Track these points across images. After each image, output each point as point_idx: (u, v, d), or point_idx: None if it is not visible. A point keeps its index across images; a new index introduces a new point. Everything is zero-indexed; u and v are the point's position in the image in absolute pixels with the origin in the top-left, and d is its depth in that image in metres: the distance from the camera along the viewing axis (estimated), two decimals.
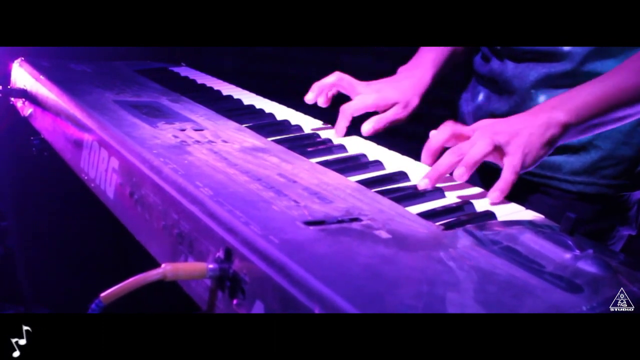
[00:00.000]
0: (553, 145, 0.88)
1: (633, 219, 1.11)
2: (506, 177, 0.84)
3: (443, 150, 0.90)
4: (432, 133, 0.91)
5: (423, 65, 1.16)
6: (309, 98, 1.14)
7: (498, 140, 0.85)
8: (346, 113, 1.10)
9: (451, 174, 0.86)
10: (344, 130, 1.10)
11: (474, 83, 1.19)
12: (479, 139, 0.86)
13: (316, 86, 1.14)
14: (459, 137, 0.90)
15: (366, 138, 1.09)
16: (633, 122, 1.02)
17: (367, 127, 1.09)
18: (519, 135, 0.85)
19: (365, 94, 1.13)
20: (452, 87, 1.29)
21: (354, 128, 1.16)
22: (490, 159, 0.87)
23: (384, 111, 1.12)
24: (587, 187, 1.06)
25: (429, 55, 1.17)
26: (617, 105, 0.89)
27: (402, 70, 1.18)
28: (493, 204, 0.83)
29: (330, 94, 1.15)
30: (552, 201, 1.08)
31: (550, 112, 0.87)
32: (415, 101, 1.13)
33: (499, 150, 0.86)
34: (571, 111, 0.87)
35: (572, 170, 1.06)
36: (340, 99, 1.17)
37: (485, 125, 0.90)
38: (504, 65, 1.09)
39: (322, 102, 1.14)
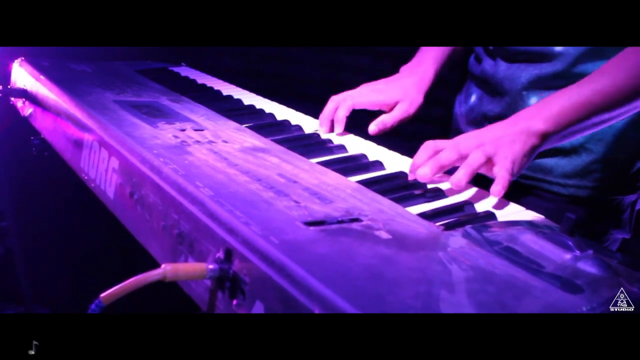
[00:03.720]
0: (534, 153, 0.89)
1: (627, 222, 1.11)
2: (503, 175, 0.85)
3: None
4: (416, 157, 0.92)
5: (425, 63, 1.17)
6: (322, 130, 1.13)
7: (487, 151, 0.87)
8: (347, 103, 1.11)
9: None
10: (343, 124, 1.10)
11: (468, 84, 1.19)
12: (470, 149, 0.87)
13: (323, 119, 1.13)
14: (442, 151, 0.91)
15: (367, 138, 1.09)
16: (625, 125, 1.02)
17: (373, 127, 1.10)
18: (504, 146, 0.87)
19: (369, 93, 1.13)
20: (449, 87, 1.30)
21: (354, 128, 1.16)
22: (482, 170, 0.88)
23: (390, 110, 1.13)
24: (579, 190, 1.06)
25: (430, 53, 1.18)
26: (595, 110, 0.89)
27: (404, 69, 1.19)
28: (498, 197, 0.84)
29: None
30: (544, 204, 1.07)
31: (529, 121, 0.88)
32: (419, 99, 1.14)
33: (489, 161, 0.87)
34: (549, 120, 0.88)
35: (563, 173, 1.06)
36: (330, 93, 1.16)
37: (469, 135, 0.92)
38: (496, 67, 1.09)
39: (339, 129, 1.12)
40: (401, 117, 1.12)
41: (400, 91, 1.13)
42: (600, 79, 0.89)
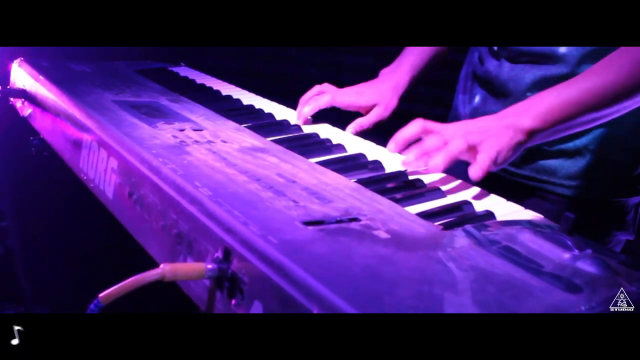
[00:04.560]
0: (520, 149, 0.89)
1: (630, 224, 1.11)
2: (484, 160, 0.86)
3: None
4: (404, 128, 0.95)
5: (401, 68, 1.24)
6: (304, 113, 1.20)
7: (472, 139, 0.87)
8: (327, 97, 1.18)
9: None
10: (315, 110, 1.17)
11: (472, 85, 1.19)
12: (454, 137, 0.88)
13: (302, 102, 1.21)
14: (430, 133, 0.93)
15: (367, 137, 1.10)
16: (629, 127, 1.01)
17: (351, 130, 1.17)
18: (490, 137, 0.88)
19: (350, 95, 1.21)
20: (450, 87, 1.30)
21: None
22: (464, 156, 0.88)
23: (367, 112, 1.21)
24: (583, 191, 1.06)
25: (409, 59, 1.24)
26: (584, 109, 0.89)
27: (382, 73, 1.26)
28: (474, 179, 0.86)
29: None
30: (548, 205, 1.07)
31: (516, 118, 0.89)
32: (394, 102, 1.21)
33: (472, 149, 0.88)
34: (536, 117, 0.88)
35: (567, 174, 1.06)
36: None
37: (456, 124, 0.93)
38: (499, 68, 1.09)
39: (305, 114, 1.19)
40: (376, 119, 1.20)
41: (377, 95, 1.21)
42: (590, 78, 0.89)
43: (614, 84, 0.88)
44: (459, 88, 1.25)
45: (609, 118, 0.92)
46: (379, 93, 1.21)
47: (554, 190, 1.07)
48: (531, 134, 0.88)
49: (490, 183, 0.91)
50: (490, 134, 0.88)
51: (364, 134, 1.15)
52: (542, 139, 0.91)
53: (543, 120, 0.88)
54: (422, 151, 0.90)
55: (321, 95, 1.19)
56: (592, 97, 0.88)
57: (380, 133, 1.17)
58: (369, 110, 1.21)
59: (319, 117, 1.20)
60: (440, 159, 0.86)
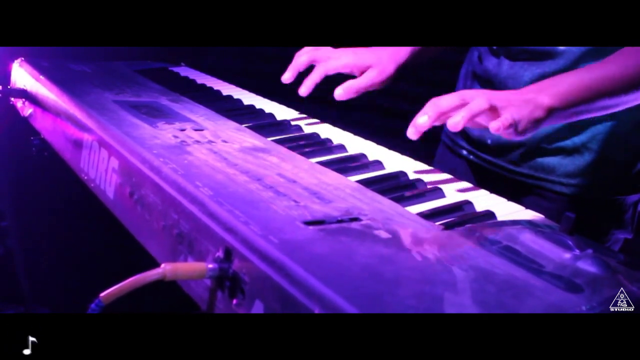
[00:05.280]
0: (538, 125, 0.88)
1: (629, 222, 1.11)
2: (507, 117, 0.84)
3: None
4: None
5: None
6: (286, 77, 1.15)
7: (495, 101, 0.85)
8: (320, 69, 1.11)
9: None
10: (311, 87, 1.10)
11: (471, 83, 1.19)
12: (475, 97, 0.86)
13: (293, 67, 1.15)
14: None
15: (367, 137, 1.10)
16: (627, 125, 1.02)
17: (339, 91, 1.09)
18: (512, 105, 0.85)
19: (343, 55, 1.13)
20: (451, 87, 1.30)
21: (353, 126, 1.16)
22: (482, 118, 0.86)
23: (360, 75, 1.12)
24: (581, 189, 1.06)
25: None
26: (602, 94, 0.89)
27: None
28: (494, 132, 0.83)
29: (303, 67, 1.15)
30: (546, 204, 1.07)
31: (537, 94, 0.88)
32: (390, 68, 1.12)
33: (493, 110, 0.85)
34: (556, 96, 0.88)
35: (565, 172, 1.06)
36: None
37: (475, 90, 0.91)
38: (499, 66, 1.09)
39: (304, 91, 1.13)
40: (367, 84, 1.10)
41: (373, 57, 1.12)
42: (612, 64, 0.90)
43: (635, 71, 0.88)
44: (458, 87, 1.25)
45: (628, 105, 0.93)
46: (376, 56, 1.13)
47: (552, 189, 1.08)
48: (550, 111, 0.87)
49: (489, 181, 0.91)
50: (512, 103, 0.86)
51: (365, 133, 1.15)
52: (561, 119, 0.91)
53: (562, 100, 0.88)
54: (437, 111, 0.86)
55: (313, 71, 1.12)
56: (612, 83, 0.89)
57: (380, 133, 1.17)
58: (362, 72, 1.13)
59: (318, 117, 1.20)
60: (461, 117, 0.83)
